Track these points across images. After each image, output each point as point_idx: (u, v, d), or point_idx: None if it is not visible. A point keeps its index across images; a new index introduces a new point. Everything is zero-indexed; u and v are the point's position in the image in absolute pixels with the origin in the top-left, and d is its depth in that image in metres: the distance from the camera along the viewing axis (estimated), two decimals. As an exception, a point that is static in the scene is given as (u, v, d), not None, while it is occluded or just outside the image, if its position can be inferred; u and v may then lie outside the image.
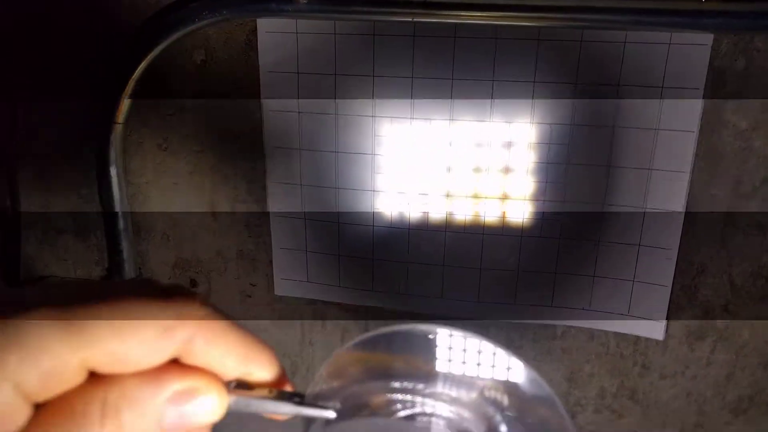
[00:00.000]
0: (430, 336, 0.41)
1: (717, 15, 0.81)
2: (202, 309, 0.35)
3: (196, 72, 1.02)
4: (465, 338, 0.41)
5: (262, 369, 0.38)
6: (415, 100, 0.95)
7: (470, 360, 0.41)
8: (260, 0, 0.90)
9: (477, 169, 0.97)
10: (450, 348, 0.41)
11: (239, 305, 1.18)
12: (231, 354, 0.36)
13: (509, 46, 0.90)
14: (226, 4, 0.91)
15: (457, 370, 0.42)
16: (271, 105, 1.00)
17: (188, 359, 0.35)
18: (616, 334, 1.03)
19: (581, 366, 1.08)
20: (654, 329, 1.00)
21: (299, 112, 0.99)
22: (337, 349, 0.40)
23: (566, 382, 1.10)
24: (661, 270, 0.96)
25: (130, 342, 0.31)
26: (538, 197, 0.97)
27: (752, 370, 1.02)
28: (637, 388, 1.07)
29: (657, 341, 1.02)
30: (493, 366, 0.41)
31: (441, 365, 0.42)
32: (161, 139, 1.08)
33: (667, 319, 1.00)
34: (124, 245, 1.08)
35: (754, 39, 0.85)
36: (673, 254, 0.95)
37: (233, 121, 1.03)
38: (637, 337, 1.03)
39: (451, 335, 0.41)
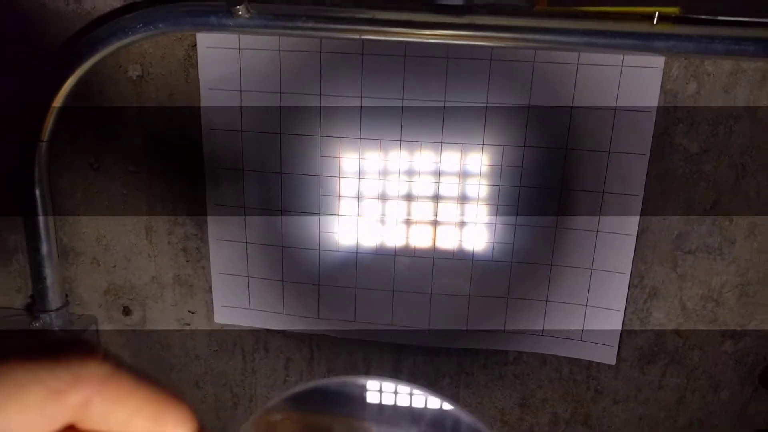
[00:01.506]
0: (367, 390, 0.36)
1: (668, 38, 0.80)
2: (102, 367, 0.29)
3: (132, 88, 0.95)
4: (400, 392, 0.36)
5: (176, 429, 0.33)
6: (364, 120, 0.91)
7: (407, 415, 0.37)
8: (199, 13, 0.85)
9: (428, 193, 0.94)
10: (386, 403, 0.37)
11: (177, 334, 1.11)
12: (139, 414, 0.30)
13: (461, 66, 0.87)
14: (161, 18, 0.86)
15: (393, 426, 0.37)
16: (211, 123, 0.94)
17: (86, 424, 0.29)
18: (569, 359, 1.01)
19: (534, 392, 1.05)
20: (606, 354, 0.99)
21: (242, 131, 0.94)
22: (262, 406, 0.35)
23: (519, 408, 1.07)
24: (613, 294, 0.95)
25: (10, 411, 0.26)
26: (490, 221, 0.94)
27: (703, 393, 1.02)
28: (590, 413, 1.05)
29: (609, 366, 1.00)
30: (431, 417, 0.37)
31: (377, 422, 0.37)
32: (92, 158, 1.01)
33: (620, 343, 0.98)
34: (49, 272, 1.00)
35: (705, 63, 0.84)
36: (626, 278, 0.94)
37: (171, 139, 0.97)
38: (590, 362, 1.01)
39: (387, 390, 0.36)
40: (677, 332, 0.98)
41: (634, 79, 0.85)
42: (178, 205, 1.01)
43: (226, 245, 1.01)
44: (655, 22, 0.81)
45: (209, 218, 1.00)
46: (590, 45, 0.83)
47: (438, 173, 0.92)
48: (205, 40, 0.91)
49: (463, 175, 0.92)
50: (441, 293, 0.98)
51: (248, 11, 0.83)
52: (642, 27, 0.81)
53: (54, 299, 1.02)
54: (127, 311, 1.10)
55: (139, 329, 1.12)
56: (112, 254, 1.07)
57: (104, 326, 1.12)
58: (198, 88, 0.93)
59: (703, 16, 0.82)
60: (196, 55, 0.92)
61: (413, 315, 1.00)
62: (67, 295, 1.09)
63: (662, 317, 0.98)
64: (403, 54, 0.88)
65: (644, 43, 0.81)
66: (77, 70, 0.88)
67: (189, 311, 1.09)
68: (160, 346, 1.12)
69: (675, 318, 0.97)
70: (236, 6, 0.82)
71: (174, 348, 1.12)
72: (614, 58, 0.85)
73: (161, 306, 1.09)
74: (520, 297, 0.97)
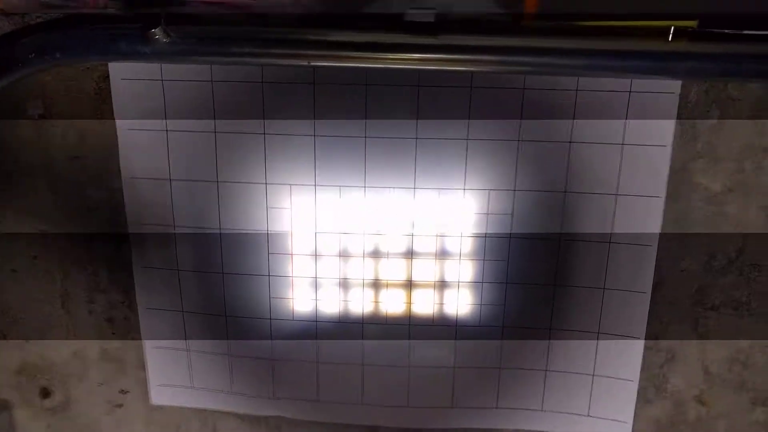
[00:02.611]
0: None
1: (686, 58, 0.65)
2: None
3: (34, 129, 0.78)
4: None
5: None
6: (320, 163, 0.74)
7: None
8: (105, 39, 0.67)
9: (400, 248, 0.77)
10: None
11: (107, 417, 0.92)
12: None
13: (435, 94, 0.71)
14: (58, 45, 0.68)
15: None
16: (133, 170, 0.77)
17: None
18: (574, 437, 0.85)
19: (533, 473, 0.89)
20: (619, 430, 0.83)
21: (170, 180, 0.77)
22: None
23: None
24: (625, 361, 0.79)
25: None
26: (476, 279, 0.78)
27: (731, 469, 0.87)
28: (599, 497, 0.89)
29: (621, 442, 0.85)
30: None
31: None
32: (-9, 214, 0.83)
33: (634, 415, 0.83)
34: (-62, 359, 0.82)
35: (728, 86, 0.70)
36: (640, 342, 0.78)
37: (86, 191, 0.80)
38: (599, 439, 0.85)
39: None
40: (699, 400, 0.83)
41: (645, 108, 0.70)
42: (99, 269, 0.84)
43: (159, 314, 0.84)
44: (670, 38, 0.66)
45: (137, 283, 0.83)
46: (593, 68, 0.67)
47: (411, 224, 0.76)
48: (120, 70, 0.74)
49: (442, 226, 0.76)
50: (420, 365, 0.82)
51: (167, 35, 0.66)
52: (655, 45, 0.66)
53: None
54: (45, 393, 0.93)
55: (61, 413, 0.93)
56: (23, 327, 0.89)
57: (20, 411, 0.94)
58: (114, 128, 0.76)
59: (726, 30, 0.66)
60: (110, 89, 0.74)
61: (388, 391, 0.84)
62: (-30, 378, 0.90)
63: (681, 383, 0.83)
64: (364, 83, 0.71)
65: (658, 64, 0.66)
66: (-44, 112, 0.70)
67: (120, 391, 0.91)
68: (88, 432, 0.94)
69: (696, 384, 0.83)
70: (151, 29, 0.64)
71: (104, 434, 0.94)
72: (621, 83, 0.70)
73: (87, 386, 0.91)
74: (515, 367, 0.81)
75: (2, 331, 0.90)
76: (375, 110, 0.73)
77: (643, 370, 0.82)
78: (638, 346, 0.79)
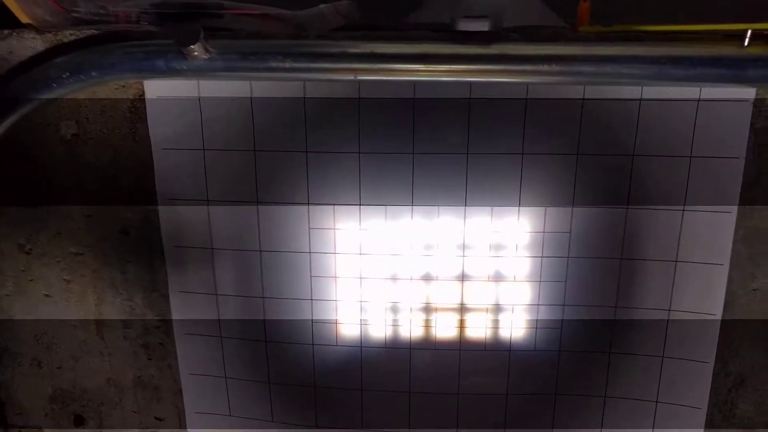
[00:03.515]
0: None
1: (765, 64, 0.60)
2: None
3: (66, 150, 0.75)
4: None
5: None
6: (364, 182, 0.70)
7: None
8: (142, 56, 0.64)
9: (451, 271, 0.73)
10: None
11: (143, 445, 0.89)
12: None
13: (488, 107, 0.67)
14: (94, 64, 0.65)
15: None
16: (169, 191, 0.74)
17: None
18: (636, 467, 0.80)
19: (590, 504, 0.84)
20: (685, 460, 0.77)
21: (208, 201, 0.73)
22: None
23: None
24: (692, 387, 0.74)
25: None
26: (531, 302, 0.73)
27: (805, 502, 0.81)
28: None
29: (687, 472, 0.80)
30: None
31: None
32: (23, 238, 0.80)
33: (701, 445, 0.78)
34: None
35: (809, 93, 0.64)
36: (708, 367, 0.73)
37: (120, 212, 0.76)
38: (662, 470, 0.80)
39: None
40: (771, 427, 0.78)
41: (715, 118, 0.65)
42: (134, 293, 0.81)
43: (197, 340, 0.80)
44: (746, 43, 0.61)
45: (173, 308, 0.80)
46: (659, 77, 0.62)
47: (463, 246, 0.72)
48: (155, 87, 0.70)
49: (496, 247, 0.71)
50: (471, 392, 0.77)
51: (206, 51, 0.62)
52: (729, 50, 0.61)
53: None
54: (79, 420, 0.89)
55: (95, 441, 0.90)
56: (56, 354, 0.86)
57: (52, 439, 0.91)
58: (149, 147, 0.73)
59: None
60: (145, 107, 0.71)
61: (437, 419, 0.79)
62: (2, 405, 0.87)
63: (751, 410, 0.77)
64: (412, 96, 0.67)
65: (733, 72, 0.61)
66: (-10, 134, 0.68)
67: (155, 418, 0.87)
68: (123, 461, 0.91)
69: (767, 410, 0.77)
70: (190, 46, 0.61)
71: (138, 462, 0.91)
72: (688, 91, 0.65)
73: (120, 413, 0.88)
74: (572, 393, 0.76)
75: (36, 358, 0.87)
76: (423, 125, 0.69)
77: (710, 395, 0.77)
78: (706, 370, 0.74)
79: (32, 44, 0.71)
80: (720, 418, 0.78)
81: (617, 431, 0.78)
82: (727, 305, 0.73)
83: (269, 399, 0.82)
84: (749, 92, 0.64)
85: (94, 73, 0.66)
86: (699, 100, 0.65)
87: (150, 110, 0.72)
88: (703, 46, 0.61)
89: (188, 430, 0.87)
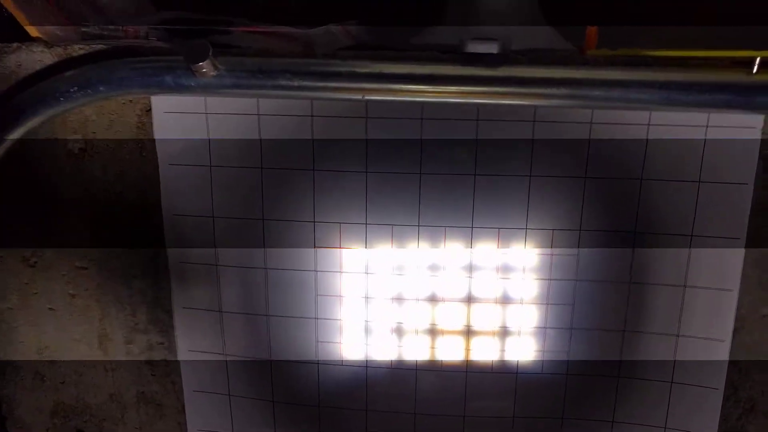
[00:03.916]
0: None
1: (775, 90, 0.60)
2: None
3: (73, 164, 0.75)
4: None
5: None
6: (371, 201, 0.70)
7: None
8: (150, 72, 0.64)
9: (457, 293, 0.73)
10: None
11: (144, 462, 0.88)
12: None
13: (496, 130, 0.67)
14: (102, 78, 0.65)
15: None
16: (175, 207, 0.74)
17: None
18: (642, 494, 0.79)
19: None
20: (692, 488, 0.76)
21: (213, 217, 0.73)
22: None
23: None
24: (702, 413, 0.73)
25: None
26: (539, 325, 0.72)
27: None
28: None
29: (695, 500, 0.78)
30: None
31: None
32: (28, 252, 0.80)
33: (710, 474, 0.76)
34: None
35: (819, 119, 0.64)
36: (719, 393, 0.72)
37: (126, 227, 0.76)
38: (669, 496, 0.79)
39: None
40: (781, 455, 0.76)
41: (723, 144, 0.65)
42: (138, 308, 0.80)
43: (201, 357, 0.79)
44: (754, 70, 0.60)
45: (177, 324, 0.79)
46: (669, 102, 0.62)
47: (469, 268, 0.71)
48: (163, 103, 0.70)
49: (503, 269, 0.71)
50: (477, 415, 0.76)
51: (215, 68, 0.62)
52: (738, 77, 0.61)
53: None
54: (80, 435, 0.88)
55: (96, 457, 0.89)
56: (59, 368, 0.86)
57: (53, 454, 0.90)
58: (156, 162, 0.73)
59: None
60: (152, 123, 0.71)
61: (441, 442, 0.78)
62: (4, 419, 0.87)
63: (760, 437, 0.76)
64: (419, 117, 0.67)
65: (741, 98, 0.61)
66: (-1, 145, 0.68)
67: (157, 435, 0.87)
68: (124, 478, 0.90)
69: (777, 437, 0.75)
70: (198, 62, 0.61)
71: (140, 479, 0.90)
72: (697, 117, 0.65)
73: (123, 429, 0.87)
74: (579, 417, 0.75)
75: (39, 372, 0.86)
76: (431, 145, 0.69)
77: (720, 421, 0.75)
78: (716, 396, 0.73)
79: (41, 57, 0.71)
80: (729, 444, 0.77)
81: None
82: (737, 331, 0.72)
83: (273, 417, 0.81)
84: (758, 119, 0.64)
85: (102, 88, 0.66)
86: (707, 126, 0.65)
87: (157, 125, 0.72)
88: (711, 73, 0.61)
89: (190, 447, 0.86)
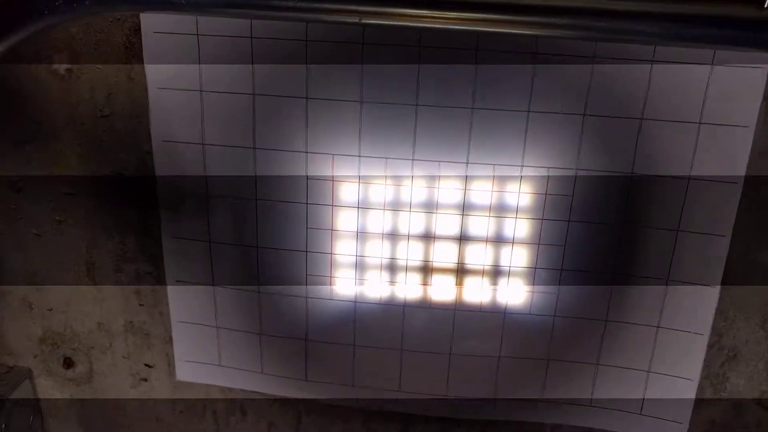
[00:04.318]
0: None
1: (785, 27, 0.58)
2: None
3: (60, 85, 0.73)
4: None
5: None
6: (365, 132, 0.68)
7: None
8: (140, -14, 0.61)
9: (450, 230, 0.72)
10: None
11: (132, 391, 0.89)
12: None
13: (495, 63, 0.65)
14: (89, -8, 0.62)
15: None
16: (164, 133, 0.72)
17: None
18: (624, 435, 0.80)
19: (575, 472, 0.84)
20: (674, 430, 0.77)
21: (203, 144, 0.72)
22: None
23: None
24: (685, 358, 0.73)
25: None
26: (529, 265, 0.72)
27: (790, 477, 0.81)
28: (645, 499, 0.84)
29: (674, 443, 0.79)
30: None
31: None
32: (15, 176, 0.78)
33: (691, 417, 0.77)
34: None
35: (826, 61, 0.62)
36: (703, 339, 0.72)
37: (114, 153, 0.75)
38: (649, 439, 0.80)
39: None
40: (760, 402, 0.77)
41: (727, 84, 0.63)
42: (127, 237, 0.79)
43: (188, 288, 0.79)
44: (766, 5, 0.58)
45: (166, 253, 0.78)
46: (676, 37, 0.60)
47: (462, 205, 0.70)
48: (152, 22, 0.68)
49: (497, 207, 0.70)
50: (464, 354, 0.76)
51: (206, -15, 0.59)
52: (748, 12, 0.58)
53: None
54: (68, 363, 0.89)
55: (85, 385, 0.89)
56: (47, 295, 0.85)
57: (41, 380, 0.90)
58: (145, 86, 0.71)
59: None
60: (141, 43, 0.69)
61: (427, 379, 0.78)
62: (-9, 345, 0.87)
63: (742, 384, 0.77)
64: (417, 44, 0.65)
65: (751, 34, 0.58)
66: (-21, 65, 0.66)
67: (146, 365, 0.87)
68: (112, 406, 0.91)
69: (758, 385, 0.76)
70: (190, -22, 0.58)
71: (129, 408, 0.90)
72: (701, 54, 0.63)
73: (111, 358, 0.87)
74: (564, 359, 0.75)
75: (26, 299, 0.86)
76: (428, 76, 0.67)
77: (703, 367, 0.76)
78: (700, 342, 0.73)
79: (27, -28, 0.68)
80: (711, 391, 0.78)
81: (608, 400, 0.78)
82: (726, 277, 0.71)
83: (260, 350, 0.81)
84: (764, 59, 0.62)
85: (87, 2, 0.63)
86: (712, 65, 0.63)
87: (146, 47, 0.70)
88: (721, 6, 0.59)
89: (177, 377, 0.86)
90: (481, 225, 0.71)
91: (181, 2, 0.61)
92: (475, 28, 0.61)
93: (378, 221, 0.72)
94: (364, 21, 0.60)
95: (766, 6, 0.58)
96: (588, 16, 0.60)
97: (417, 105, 0.68)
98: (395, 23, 0.61)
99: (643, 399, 0.76)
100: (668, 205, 0.68)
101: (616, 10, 0.60)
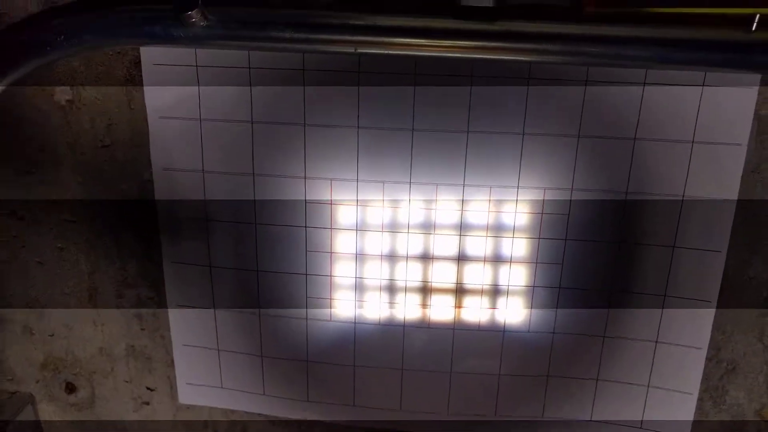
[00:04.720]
0: None
1: (772, 49, 0.59)
2: None
3: (61, 116, 0.74)
4: None
5: None
6: (362, 157, 0.69)
7: None
8: (139, 21, 0.63)
9: (448, 250, 0.73)
10: None
11: (134, 415, 0.89)
12: None
13: (490, 87, 0.66)
14: (88, 27, 0.64)
15: None
16: (164, 161, 0.73)
17: None
18: (624, 450, 0.81)
19: (577, 485, 0.85)
20: (673, 445, 0.78)
21: (203, 171, 0.73)
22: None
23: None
24: (685, 372, 0.74)
25: None
26: (527, 283, 0.73)
27: (791, 489, 0.81)
28: None
29: (675, 457, 0.80)
30: None
31: None
32: (16, 204, 0.79)
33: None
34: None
35: (814, 81, 0.63)
36: (701, 353, 0.73)
37: (115, 181, 0.75)
38: (651, 453, 0.81)
39: None
40: (761, 416, 0.78)
41: (718, 104, 0.64)
42: (128, 263, 0.80)
43: (190, 312, 0.80)
44: (753, 27, 0.59)
45: (167, 278, 0.79)
46: (666, 60, 0.61)
47: (460, 226, 0.71)
48: (152, 55, 0.69)
49: (494, 227, 0.71)
50: (463, 372, 0.77)
51: (205, 18, 0.61)
52: (736, 35, 0.60)
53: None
54: (70, 388, 0.89)
55: (87, 410, 0.90)
56: (49, 321, 0.85)
57: (44, 406, 0.91)
58: (145, 116, 0.72)
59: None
60: (141, 75, 0.70)
61: (428, 399, 0.79)
62: (-6, 371, 0.88)
63: (742, 397, 0.77)
64: (413, 72, 0.66)
65: (739, 56, 0.60)
66: (-18, 97, 0.66)
67: (147, 388, 0.87)
68: (115, 430, 0.91)
69: (758, 398, 0.77)
70: (188, 12, 0.59)
71: (131, 431, 0.91)
72: (693, 76, 0.64)
73: (112, 382, 0.88)
74: (564, 375, 0.76)
75: (28, 325, 0.86)
76: (424, 101, 0.68)
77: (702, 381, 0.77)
78: (699, 356, 0.74)
79: (25, 5, 0.69)
80: (710, 404, 0.79)
81: (607, 418, 0.78)
82: (723, 292, 0.72)
83: (261, 372, 0.82)
84: (754, 79, 0.63)
85: (87, 37, 0.64)
86: (703, 86, 0.64)
87: (146, 78, 0.71)
88: (709, 30, 0.60)
89: (179, 400, 0.87)
90: (478, 245, 0.72)
91: (180, 36, 0.62)
92: (469, 56, 0.62)
93: (377, 243, 0.73)
94: (359, 51, 0.62)
95: (753, 29, 0.60)
96: (580, 42, 0.61)
97: (413, 129, 0.69)
98: (390, 52, 0.62)
99: (642, 417, 0.77)
100: (664, 221, 0.69)
101: (608, 35, 0.62)
